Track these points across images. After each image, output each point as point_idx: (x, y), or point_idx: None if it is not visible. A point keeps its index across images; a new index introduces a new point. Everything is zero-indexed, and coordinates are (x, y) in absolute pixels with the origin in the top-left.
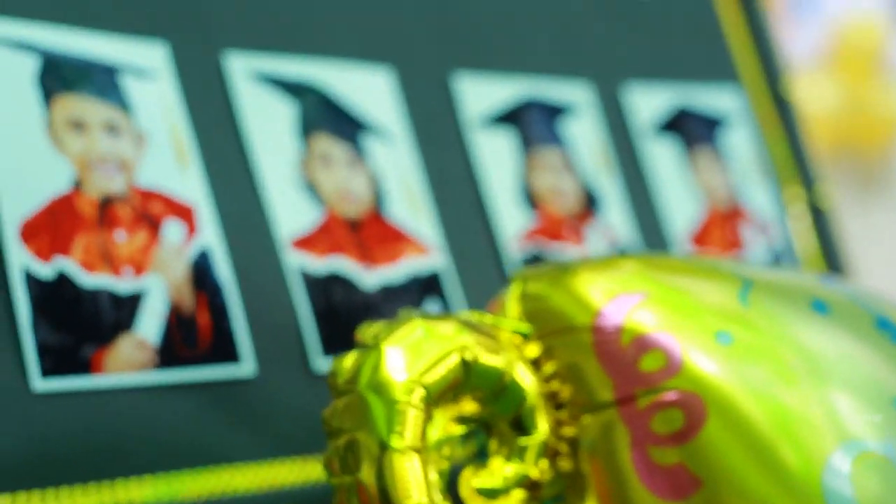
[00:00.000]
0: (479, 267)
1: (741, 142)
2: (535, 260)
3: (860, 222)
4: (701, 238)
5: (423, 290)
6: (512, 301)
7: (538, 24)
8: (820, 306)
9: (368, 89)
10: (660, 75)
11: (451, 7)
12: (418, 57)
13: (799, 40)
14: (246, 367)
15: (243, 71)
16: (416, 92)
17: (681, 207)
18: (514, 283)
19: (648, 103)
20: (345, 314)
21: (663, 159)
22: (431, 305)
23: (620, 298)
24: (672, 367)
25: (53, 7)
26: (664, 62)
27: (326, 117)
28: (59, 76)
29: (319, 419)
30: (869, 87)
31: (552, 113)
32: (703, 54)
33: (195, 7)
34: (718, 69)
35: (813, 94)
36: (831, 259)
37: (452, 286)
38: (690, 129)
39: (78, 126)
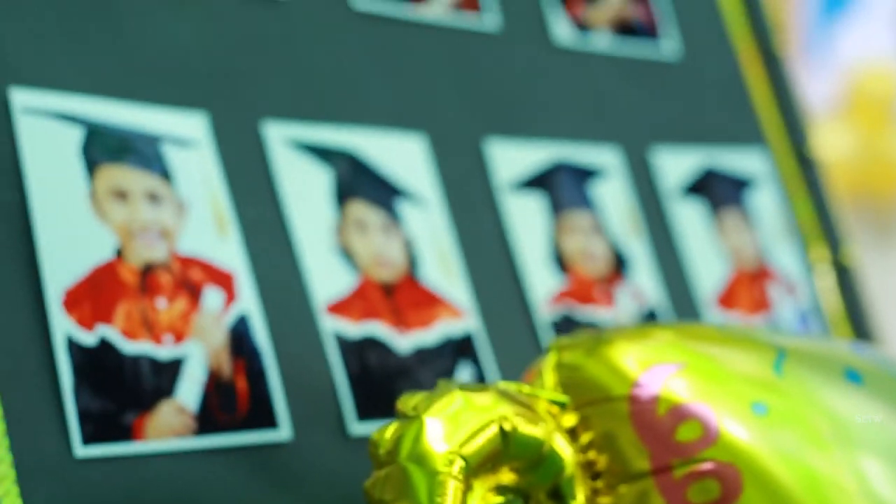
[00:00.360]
0: (511, 329)
1: (767, 203)
2: (565, 321)
3: (877, 266)
4: (728, 299)
5: (457, 352)
6: (548, 371)
7: (567, 90)
8: (853, 376)
9: (402, 155)
10: (686, 138)
11: (482, 74)
12: (450, 123)
13: (814, 87)
14: (283, 432)
15: (280, 139)
16: (449, 157)
17: (708, 268)
18: (550, 352)
19: (676, 166)
20: (379, 378)
21: (691, 221)
22: (465, 368)
23: (656, 368)
24: (708, 437)
25: (97, 79)
26: (690, 125)
27: (361, 183)
28: (102, 146)
29: (354, 482)
30: (884, 133)
31: (581, 176)
32: (728, 116)
33: (233, 78)
34: (744, 131)
35: (828, 141)
36: (857, 318)
37: (485, 349)
38: (717, 190)
39: (120, 196)
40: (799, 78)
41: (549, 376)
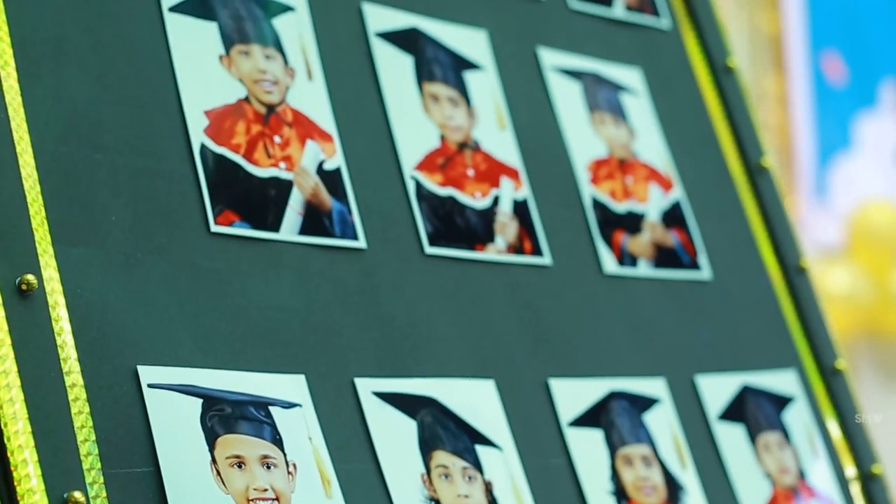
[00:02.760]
0: None
1: (801, 421)
2: None
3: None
4: None
5: None
6: None
7: (615, 318)
8: None
9: (475, 401)
10: (725, 362)
11: (539, 308)
12: (514, 366)
13: (818, 227)
14: None
15: (368, 394)
16: (515, 399)
17: (751, 489)
18: None
19: (716, 391)
20: None
21: (733, 444)
22: None
23: None
24: None
25: (209, 350)
26: (728, 348)
27: (442, 433)
28: (219, 416)
29: None
30: (889, 272)
31: (634, 408)
32: (763, 338)
33: (325, 336)
34: (777, 352)
35: (833, 280)
36: None
37: None
38: (755, 412)
39: (239, 464)
40: (803, 219)
41: None
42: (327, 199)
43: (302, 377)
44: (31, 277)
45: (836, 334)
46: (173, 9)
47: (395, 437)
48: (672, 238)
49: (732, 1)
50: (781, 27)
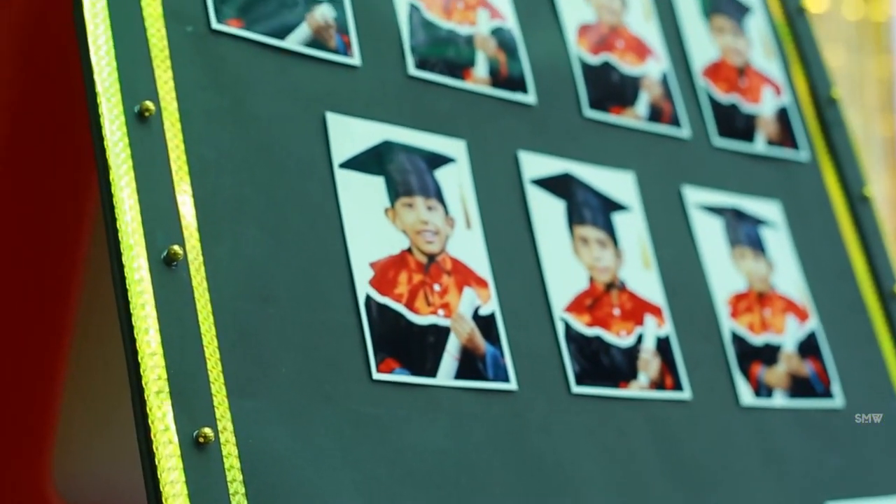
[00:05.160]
0: None
1: None
2: None
3: None
4: None
5: None
6: None
7: (751, 458)
8: None
9: None
10: (856, 491)
11: (680, 454)
12: (656, 502)
13: None
14: None
15: None
16: None
17: None
18: None
19: None
20: None
21: None
22: None
23: None
24: None
25: (369, 499)
26: (859, 476)
27: None
28: None
29: None
30: None
31: None
32: (894, 465)
33: (478, 483)
34: None
35: None
36: None
37: None
38: None
39: None
40: None
41: None
42: (482, 344)
43: None
44: (207, 430)
45: None
46: (343, 165)
47: None
48: (807, 368)
49: (853, 111)
50: None
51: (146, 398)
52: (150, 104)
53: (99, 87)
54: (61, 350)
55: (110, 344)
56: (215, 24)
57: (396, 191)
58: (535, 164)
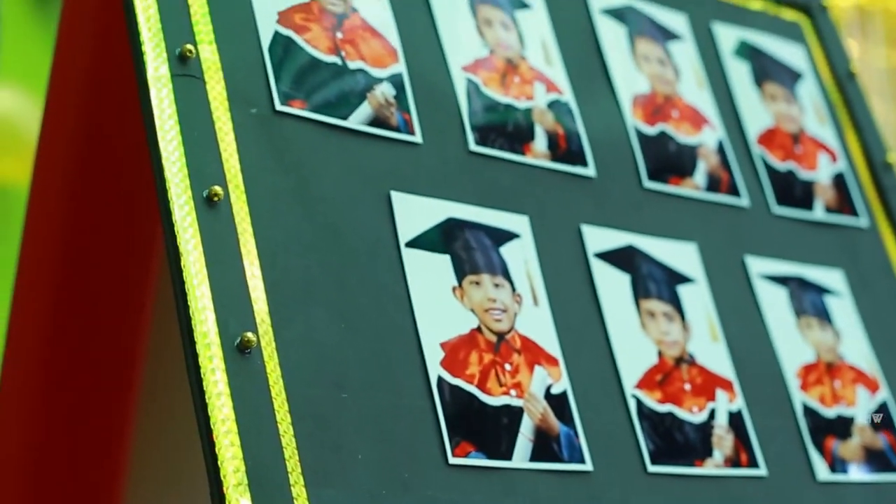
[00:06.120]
0: None
1: None
2: None
3: None
4: None
5: None
6: None
7: None
8: None
9: None
10: None
11: None
12: None
13: None
14: None
15: None
16: None
17: None
18: None
19: None
20: None
21: None
22: None
23: None
24: None
25: None
26: None
27: None
28: None
29: None
30: None
31: None
32: None
33: None
34: None
35: None
36: None
37: None
38: None
39: None
40: None
41: None
42: (555, 424)
43: None
44: None
45: None
46: (409, 244)
47: None
48: (881, 440)
49: None
50: None
51: (225, 492)
52: (218, 189)
53: (167, 174)
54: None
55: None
56: (279, 106)
57: (463, 269)
58: (598, 238)
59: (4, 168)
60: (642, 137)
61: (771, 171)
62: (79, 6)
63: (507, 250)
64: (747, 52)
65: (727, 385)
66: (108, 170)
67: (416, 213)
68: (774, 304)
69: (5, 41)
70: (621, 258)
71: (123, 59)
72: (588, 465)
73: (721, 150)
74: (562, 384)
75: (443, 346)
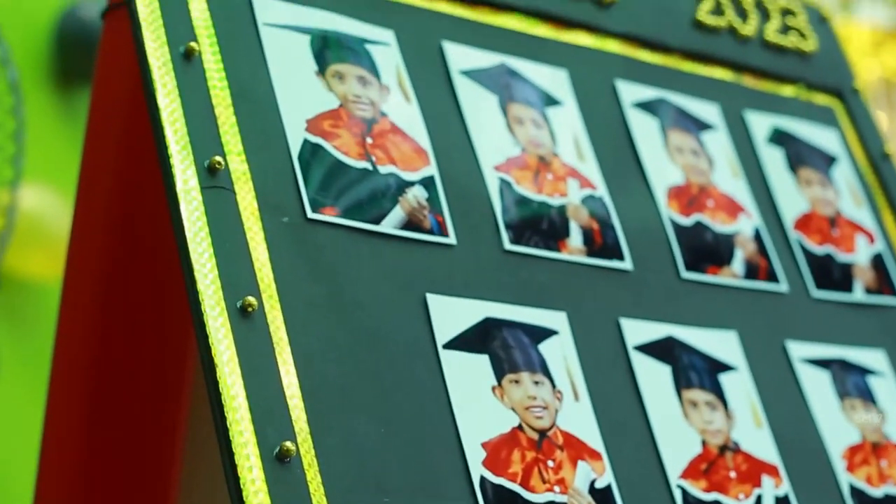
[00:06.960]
0: None
1: None
2: None
3: None
4: None
5: None
6: None
7: None
8: None
9: None
10: None
11: None
12: None
13: None
14: None
15: None
16: None
17: None
18: None
19: None
20: None
21: None
22: None
23: None
24: None
25: None
26: None
27: None
28: None
29: None
30: None
31: None
32: None
33: None
34: None
35: None
36: None
37: None
38: None
39: None
40: None
41: None
42: None
43: None
44: None
45: None
46: (447, 346)
47: None
48: None
49: None
50: None
51: None
52: (252, 299)
53: (200, 286)
54: None
55: None
56: (310, 214)
57: (502, 368)
58: (637, 331)
59: (34, 264)
60: (678, 228)
61: (809, 255)
62: (107, 104)
63: (545, 347)
64: (781, 138)
65: (772, 470)
66: (141, 269)
67: (452, 315)
68: (817, 388)
69: (30, 139)
70: (661, 349)
71: (153, 157)
72: None
73: (758, 237)
74: (606, 478)
75: (484, 445)
